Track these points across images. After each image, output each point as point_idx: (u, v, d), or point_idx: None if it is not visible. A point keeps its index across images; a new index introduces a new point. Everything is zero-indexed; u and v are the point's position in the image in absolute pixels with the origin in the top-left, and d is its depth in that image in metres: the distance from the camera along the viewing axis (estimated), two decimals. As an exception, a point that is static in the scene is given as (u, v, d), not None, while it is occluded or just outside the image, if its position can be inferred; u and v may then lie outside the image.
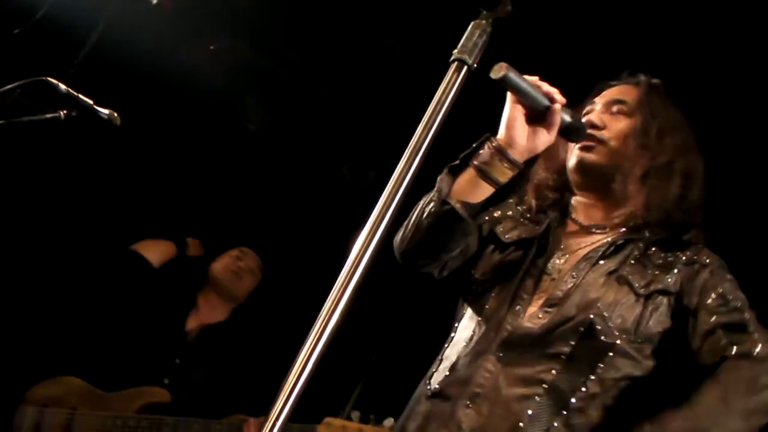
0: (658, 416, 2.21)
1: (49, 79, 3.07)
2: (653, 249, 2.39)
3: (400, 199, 1.46)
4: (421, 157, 1.51)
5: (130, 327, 4.32)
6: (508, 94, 2.29)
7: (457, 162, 2.35)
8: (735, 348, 2.25)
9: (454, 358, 2.38)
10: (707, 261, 2.38)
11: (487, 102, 2.31)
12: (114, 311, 4.38)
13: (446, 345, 2.45)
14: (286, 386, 1.35)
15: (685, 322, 2.32)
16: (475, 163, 2.30)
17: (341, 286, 1.39)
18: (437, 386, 2.34)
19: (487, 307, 2.39)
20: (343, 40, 4.84)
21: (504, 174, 2.28)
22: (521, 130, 2.27)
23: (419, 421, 2.32)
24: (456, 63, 1.66)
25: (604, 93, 2.60)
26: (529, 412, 2.20)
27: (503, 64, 2.12)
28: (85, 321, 4.39)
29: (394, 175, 1.48)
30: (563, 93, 2.29)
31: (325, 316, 1.37)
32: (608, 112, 2.52)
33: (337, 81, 5.02)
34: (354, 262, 1.40)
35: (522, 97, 2.25)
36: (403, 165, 1.49)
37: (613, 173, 2.44)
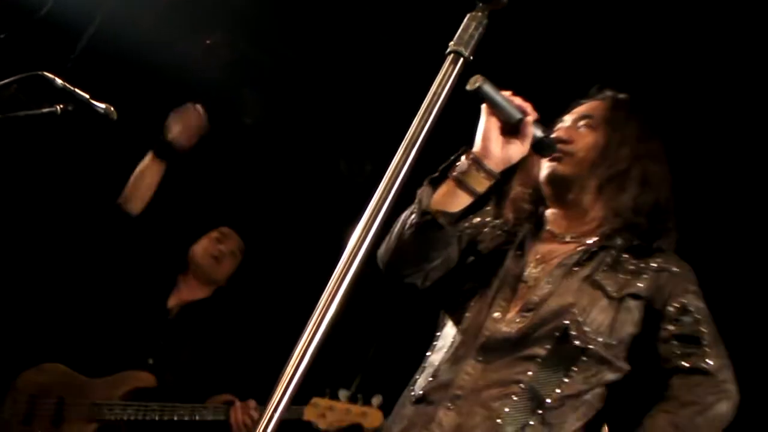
0: None
1: (46, 73, 3.06)
2: (625, 256, 2.49)
3: (396, 190, 1.47)
4: (418, 149, 1.51)
5: (111, 308, 4.30)
6: (483, 107, 2.41)
7: (437, 174, 2.46)
8: (686, 361, 2.39)
9: (436, 364, 2.49)
10: (675, 270, 2.48)
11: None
12: (95, 291, 4.37)
13: (429, 353, 2.57)
14: (284, 377, 1.35)
15: (649, 328, 2.43)
16: (454, 174, 2.42)
17: (339, 276, 1.40)
18: (420, 392, 2.48)
19: (467, 315, 2.50)
20: (338, 34, 4.83)
21: (481, 184, 2.41)
22: (496, 141, 2.40)
23: (404, 424, 2.44)
24: (452, 55, 1.66)
25: (574, 110, 2.73)
26: (507, 410, 2.32)
27: (479, 77, 2.25)
28: (66, 304, 4.38)
29: (390, 167, 1.48)
30: (537, 109, 2.42)
31: (323, 306, 1.37)
32: (576, 127, 2.65)
33: (334, 74, 5.01)
34: (352, 252, 1.41)
35: (496, 109, 2.37)
36: (399, 157, 1.49)
37: (578, 184, 2.57)
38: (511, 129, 2.39)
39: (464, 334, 2.47)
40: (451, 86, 1.61)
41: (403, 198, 1.53)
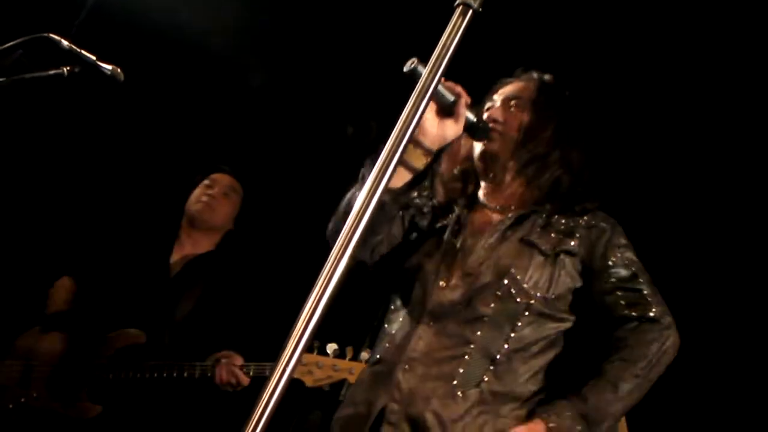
0: (576, 391, 2.57)
1: (52, 35, 3.04)
2: (555, 217, 2.72)
3: (405, 145, 1.45)
4: (427, 102, 1.50)
5: (111, 269, 4.28)
6: None
7: (376, 153, 2.52)
8: (633, 311, 2.64)
9: (393, 332, 2.71)
10: (604, 225, 2.72)
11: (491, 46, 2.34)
12: (94, 252, 4.38)
13: (385, 325, 2.78)
14: (291, 341, 1.33)
15: (589, 283, 2.68)
16: None
17: (347, 235, 1.39)
18: (378, 356, 2.70)
19: (415, 287, 2.71)
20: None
21: (419, 159, 2.63)
22: (432, 121, 2.61)
23: (364, 386, 2.67)
24: (461, 7, 1.63)
25: (502, 90, 2.92)
26: (461, 370, 2.54)
27: (415, 59, 2.42)
28: (65, 265, 4.38)
29: (399, 120, 1.47)
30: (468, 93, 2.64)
31: (331, 266, 1.37)
32: (506, 107, 2.85)
33: (338, 30, 4.96)
34: (362, 207, 1.40)
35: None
36: (408, 110, 1.48)
37: (504, 160, 2.78)
38: (445, 110, 2.62)
39: (414, 304, 2.68)
40: (459, 39, 1.59)
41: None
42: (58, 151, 5.05)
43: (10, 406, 4.05)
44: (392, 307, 2.79)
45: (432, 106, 2.61)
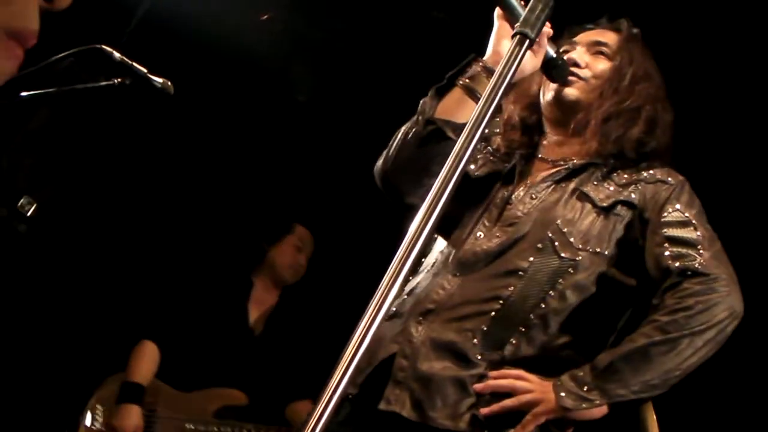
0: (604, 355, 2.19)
1: (104, 47, 3.05)
2: (618, 171, 2.41)
3: (460, 173, 1.44)
4: (482, 131, 1.48)
5: (193, 317, 4.26)
6: (497, 13, 2.31)
7: (444, 82, 2.37)
8: (677, 262, 2.22)
9: (415, 283, 2.40)
10: (670, 179, 2.38)
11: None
12: (180, 309, 4.33)
13: (410, 276, 2.37)
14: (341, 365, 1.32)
15: (642, 237, 2.31)
16: (462, 82, 2.33)
17: (397, 267, 1.37)
18: (394, 308, 2.33)
19: (452, 237, 2.40)
20: (393, 13, 4.77)
21: None
22: None
23: (374, 341, 2.32)
24: (518, 36, 1.62)
25: (584, 35, 2.61)
26: (484, 328, 2.22)
27: None
28: (157, 318, 4.32)
29: (454, 150, 1.45)
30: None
31: (383, 292, 1.35)
32: (590, 53, 2.55)
33: (387, 47, 4.94)
34: (412, 239, 1.38)
35: (510, 14, 2.25)
36: (463, 139, 1.47)
37: (585, 111, 2.45)
38: None
39: (445, 254, 2.38)
40: (516, 67, 1.58)
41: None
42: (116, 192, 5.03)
43: None
44: (423, 259, 2.47)
45: (510, 32, 2.22)
